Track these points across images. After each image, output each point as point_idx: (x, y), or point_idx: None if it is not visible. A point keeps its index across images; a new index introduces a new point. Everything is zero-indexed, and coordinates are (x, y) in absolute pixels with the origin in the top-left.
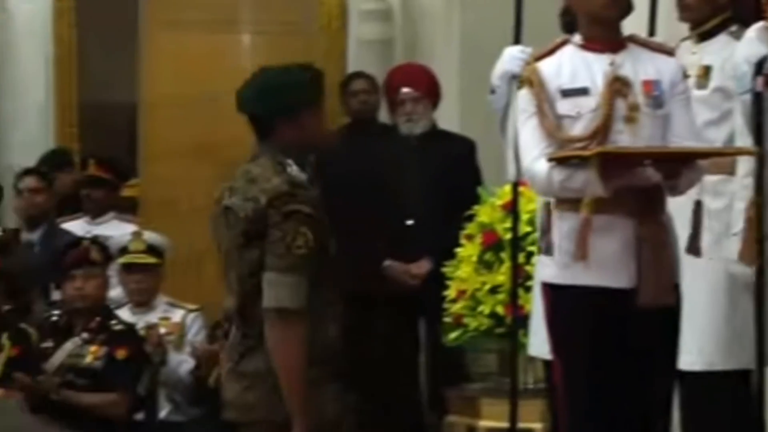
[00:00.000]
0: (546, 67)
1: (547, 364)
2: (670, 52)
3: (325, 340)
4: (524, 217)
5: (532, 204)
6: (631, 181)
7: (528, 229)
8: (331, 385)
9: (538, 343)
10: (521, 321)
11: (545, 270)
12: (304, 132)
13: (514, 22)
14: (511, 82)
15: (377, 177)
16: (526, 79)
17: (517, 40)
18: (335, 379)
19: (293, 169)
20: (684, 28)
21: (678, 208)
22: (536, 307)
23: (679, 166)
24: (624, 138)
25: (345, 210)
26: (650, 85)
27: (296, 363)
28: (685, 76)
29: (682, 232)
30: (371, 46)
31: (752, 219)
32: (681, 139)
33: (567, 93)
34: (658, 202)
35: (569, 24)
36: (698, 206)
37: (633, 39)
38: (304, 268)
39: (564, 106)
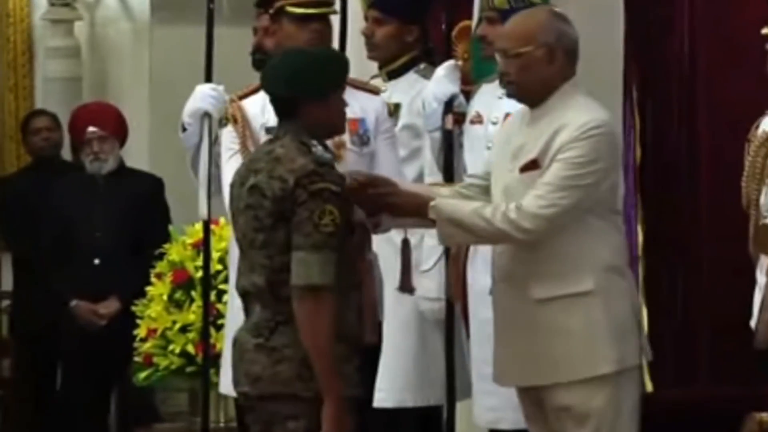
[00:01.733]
0: (251, 105)
1: (238, 402)
2: (374, 91)
3: (349, 317)
4: (215, 255)
5: (223, 242)
6: None
7: (219, 267)
8: (353, 362)
9: (229, 381)
10: (212, 359)
11: None
12: (330, 114)
13: (205, 60)
14: (202, 120)
15: (62, 216)
16: (230, 116)
17: (208, 78)
18: (356, 356)
19: (318, 149)
20: (374, 66)
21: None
22: (228, 344)
23: None
24: None
25: (31, 250)
26: (355, 123)
27: (325, 339)
28: (392, 114)
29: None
30: (59, 83)
31: (456, 255)
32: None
33: (271, 130)
34: (363, 241)
35: (260, 62)
36: (406, 244)
37: None
38: (332, 245)
39: None
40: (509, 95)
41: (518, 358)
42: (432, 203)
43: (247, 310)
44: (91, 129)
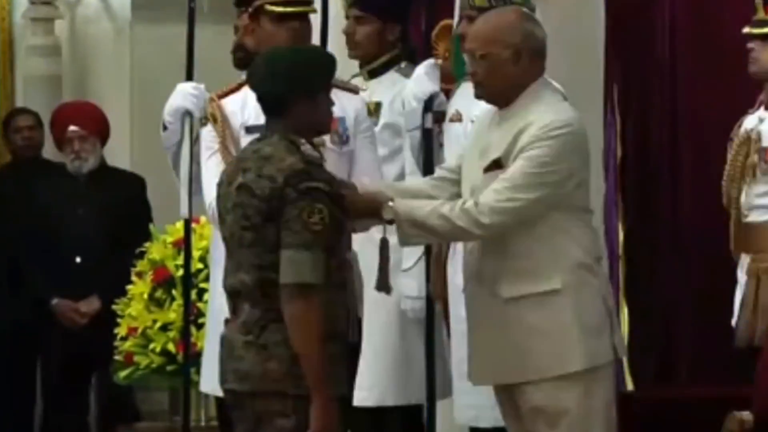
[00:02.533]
0: (230, 104)
1: (219, 400)
2: (354, 90)
3: (341, 316)
4: (196, 254)
5: (204, 241)
6: None
7: (200, 266)
8: (343, 361)
9: (210, 379)
10: (193, 358)
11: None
12: (318, 113)
13: (186, 59)
14: (183, 119)
15: (43, 214)
16: (210, 115)
17: (189, 77)
18: (345, 355)
19: (307, 148)
20: (355, 65)
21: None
22: (208, 343)
23: None
24: None
25: (11, 248)
26: (335, 122)
27: (315, 337)
28: (373, 113)
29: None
30: (39, 81)
31: (438, 255)
32: (365, 176)
33: (251, 129)
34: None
35: (242, 60)
36: (384, 243)
37: None
38: (321, 244)
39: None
40: (477, 95)
41: (490, 357)
42: (388, 204)
43: (235, 309)
44: (72, 128)
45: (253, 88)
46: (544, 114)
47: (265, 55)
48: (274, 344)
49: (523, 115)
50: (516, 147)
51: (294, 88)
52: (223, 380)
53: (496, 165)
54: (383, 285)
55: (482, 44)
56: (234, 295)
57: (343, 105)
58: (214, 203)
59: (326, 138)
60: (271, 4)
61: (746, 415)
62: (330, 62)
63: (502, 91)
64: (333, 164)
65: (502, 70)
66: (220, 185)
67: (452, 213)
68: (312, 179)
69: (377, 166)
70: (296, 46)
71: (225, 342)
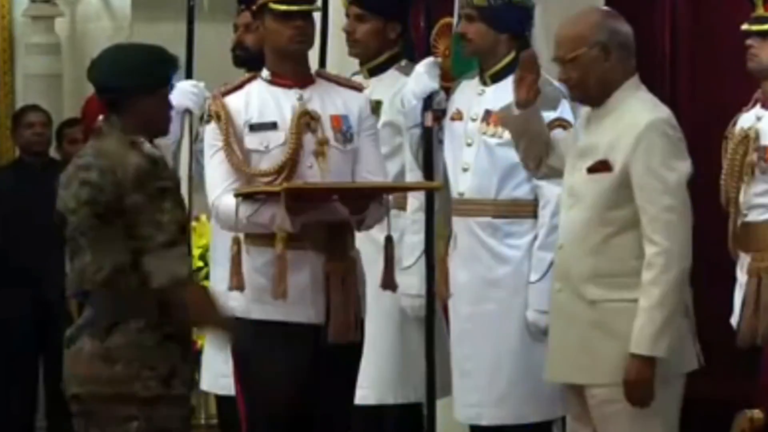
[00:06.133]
0: (234, 101)
1: (220, 399)
2: (358, 88)
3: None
4: (196, 252)
5: (204, 239)
6: (319, 216)
7: (200, 264)
8: (189, 361)
9: (211, 378)
10: (194, 356)
11: (232, 304)
12: (156, 110)
13: (186, 57)
14: (183, 117)
15: (49, 211)
16: (213, 113)
17: (188, 75)
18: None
19: (147, 146)
20: (355, 63)
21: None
22: (209, 342)
23: (366, 201)
24: (313, 172)
25: (17, 245)
26: (338, 120)
27: (209, 316)
28: (373, 111)
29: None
30: (39, 80)
31: (443, 255)
32: (369, 174)
33: (255, 127)
34: (347, 238)
35: (241, 59)
36: (389, 241)
37: (321, 74)
38: (181, 239)
39: (252, 141)
40: (572, 98)
41: (567, 355)
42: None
43: (79, 312)
44: (102, 117)
45: (93, 82)
46: (641, 113)
47: (106, 50)
48: (119, 347)
49: (619, 113)
50: (620, 149)
51: (135, 84)
52: (67, 386)
53: (604, 167)
54: (389, 283)
55: (569, 48)
56: (81, 297)
57: (347, 103)
58: (217, 201)
59: (330, 136)
60: (275, 2)
61: (756, 413)
62: (170, 61)
63: (596, 89)
64: (337, 162)
65: (594, 70)
66: (60, 187)
67: (652, 290)
68: (159, 178)
69: (382, 163)
70: (137, 43)
71: (69, 345)
